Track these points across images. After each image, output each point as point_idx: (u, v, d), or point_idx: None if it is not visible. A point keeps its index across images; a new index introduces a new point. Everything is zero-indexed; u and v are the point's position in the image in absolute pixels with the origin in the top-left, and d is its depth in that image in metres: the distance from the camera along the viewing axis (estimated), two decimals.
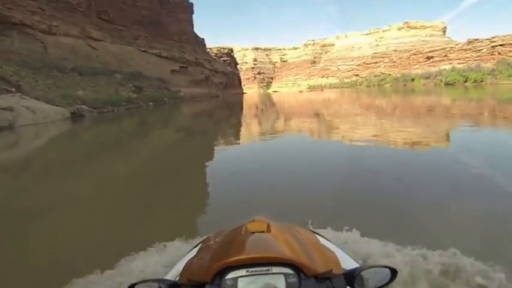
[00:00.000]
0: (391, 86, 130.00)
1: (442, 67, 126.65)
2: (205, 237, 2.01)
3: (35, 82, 40.36)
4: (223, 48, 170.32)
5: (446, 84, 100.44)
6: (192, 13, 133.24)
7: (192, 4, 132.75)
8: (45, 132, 21.52)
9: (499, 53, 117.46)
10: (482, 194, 4.09)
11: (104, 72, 60.09)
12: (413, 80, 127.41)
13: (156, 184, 5.71)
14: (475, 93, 36.70)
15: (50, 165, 9.66)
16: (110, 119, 29.87)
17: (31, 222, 4.52)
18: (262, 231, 1.39)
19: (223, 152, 8.34)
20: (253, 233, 1.38)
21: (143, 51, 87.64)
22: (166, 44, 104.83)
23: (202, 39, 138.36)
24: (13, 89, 30.80)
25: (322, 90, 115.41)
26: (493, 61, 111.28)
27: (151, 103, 52.50)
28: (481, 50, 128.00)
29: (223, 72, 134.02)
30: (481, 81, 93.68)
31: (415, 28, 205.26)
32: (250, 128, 12.84)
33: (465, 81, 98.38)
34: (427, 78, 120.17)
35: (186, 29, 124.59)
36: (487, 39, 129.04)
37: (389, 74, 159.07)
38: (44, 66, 48.85)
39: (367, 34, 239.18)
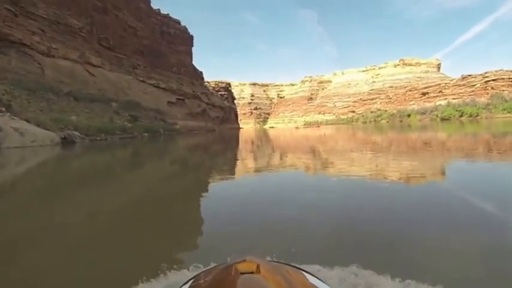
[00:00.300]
0: (387, 122, 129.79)
1: (438, 103, 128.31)
2: (195, 274, 1.99)
3: (28, 103, 37.94)
4: (221, 83, 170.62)
5: (442, 119, 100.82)
6: (192, 45, 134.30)
7: (192, 36, 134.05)
8: (32, 157, 19.32)
9: (492, 88, 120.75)
10: (475, 229, 3.99)
11: (100, 99, 57.94)
12: (409, 115, 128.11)
13: (145, 219, 5.39)
14: (470, 128, 36.28)
15: (31, 194, 8.57)
16: (102, 148, 27.34)
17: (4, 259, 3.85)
18: (252, 272, 1.40)
19: (217, 187, 8.15)
20: (242, 273, 1.39)
21: (141, 80, 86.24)
22: (165, 75, 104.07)
23: (201, 72, 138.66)
24: (3, 109, 28.55)
25: (318, 126, 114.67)
26: (486, 96, 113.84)
27: (146, 134, 49.99)
28: (475, 85, 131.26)
29: (221, 107, 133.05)
30: (477, 115, 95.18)
31: (411, 65, 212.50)
32: (245, 163, 12.84)
33: (461, 116, 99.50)
34: (423, 113, 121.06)
35: (185, 61, 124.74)
36: (480, 74, 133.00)
37: (386, 110, 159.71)
38: (39, 88, 46.64)
39: (363, 71, 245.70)
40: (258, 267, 1.42)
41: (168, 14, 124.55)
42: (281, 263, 2.04)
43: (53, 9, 68.69)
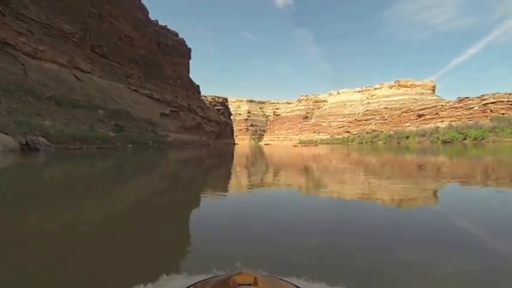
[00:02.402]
0: (384, 143, 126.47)
1: (438, 125, 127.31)
2: (189, 285, 1.96)
3: None
4: (218, 97, 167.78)
5: (444, 142, 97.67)
6: (189, 58, 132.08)
7: (190, 49, 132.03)
8: None
9: (491, 111, 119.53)
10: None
11: (86, 106, 54.58)
12: (407, 137, 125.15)
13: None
14: (481, 152, 32.94)
15: None
16: (71, 157, 23.66)
17: None
18: (249, 284, 1.43)
19: (209, 205, 7.05)
20: (240, 285, 1.42)
21: (134, 90, 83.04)
22: (160, 86, 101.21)
23: (198, 85, 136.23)
24: None
25: (316, 145, 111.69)
26: (485, 118, 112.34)
27: (130, 145, 46.25)
28: (473, 107, 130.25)
29: (216, 121, 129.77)
30: (482, 138, 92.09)
31: (406, 86, 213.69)
32: (239, 180, 11.79)
33: (464, 139, 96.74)
34: (423, 135, 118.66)
35: (182, 74, 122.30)
36: (478, 97, 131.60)
37: (382, 131, 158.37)
38: (18, 90, 43.45)
39: (358, 91, 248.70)
40: (255, 279, 1.45)
41: (165, 26, 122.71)
42: (273, 276, 2.05)
43: (45, 13, 66.17)
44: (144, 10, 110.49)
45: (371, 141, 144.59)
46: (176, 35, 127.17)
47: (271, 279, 1.78)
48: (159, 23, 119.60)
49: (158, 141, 66.78)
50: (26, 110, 37.96)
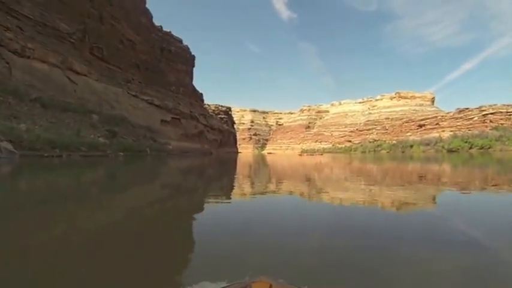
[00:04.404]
0: (387, 152, 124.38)
1: (439, 134, 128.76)
2: None
3: None
4: (222, 106, 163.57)
5: (449, 151, 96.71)
6: (193, 66, 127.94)
7: (194, 57, 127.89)
8: None
9: (490, 121, 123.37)
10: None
11: (77, 110, 49.61)
12: (411, 146, 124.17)
13: None
14: (488, 161, 31.48)
15: None
16: (44, 167, 18.55)
17: None
18: None
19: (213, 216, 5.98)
20: None
21: (133, 95, 78.01)
22: (161, 93, 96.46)
23: (201, 93, 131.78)
24: None
25: (321, 154, 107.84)
26: (485, 128, 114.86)
27: (121, 153, 40.95)
28: (473, 118, 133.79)
29: (219, 130, 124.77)
30: (489, 147, 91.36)
31: (406, 98, 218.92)
32: (242, 188, 9.99)
33: (470, 148, 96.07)
34: (427, 144, 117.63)
35: (185, 81, 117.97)
36: (477, 108, 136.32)
37: (385, 141, 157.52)
38: None
39: (360, 102, 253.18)
40: (270, 286, 1.51)
41: (170, 32, 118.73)
42: (290, 284, 2.05)
43: (40, 10, 61.82)
44: (148, 14, 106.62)
45: (374, 151, 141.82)
46: (180, 41, 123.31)
47: (286, 287, 1.80)
48: (163, 29, 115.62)
49: (157, 149, 61.76)
50: (1, 111, 32.93)
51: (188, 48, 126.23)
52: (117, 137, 46.46)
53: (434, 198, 8.14)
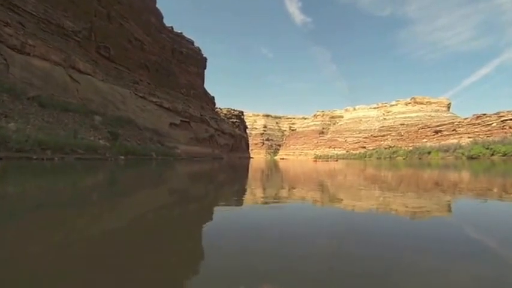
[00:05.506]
0: (404, 159, 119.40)
1: (458, 141, 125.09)
2: None
3: None
4: (234, 110, 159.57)
5: (470, 157, 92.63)
6: (205, 68, 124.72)
7: (205, 58, 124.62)
8: None
9: (510, 127, 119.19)
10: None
11: (79, 110, 46.31)
12: (429, 152, 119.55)
13: None
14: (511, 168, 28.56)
15: None
16: (26, 171, 15.47)
17: None
18: None
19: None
20: None
21: (141, 96, 74.88)
22: (171, 95, 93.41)
23: (213, 97, 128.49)
24: None
25: (336, 160, 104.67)
26: (505, 135, 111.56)
27: (122, 157, 37.45)
28: (491, 124, 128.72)
29: (231, 134, 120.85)
30: None
31: (422, 103, 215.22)
32: (254, 194, 9.05)
33: (492, 155, 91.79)
34: (446, 151, 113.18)
35: (196, 83, 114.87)
36: (495, 114, 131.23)
37: (400, 147, 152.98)
38: None
39: (374, 108, 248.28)
40: None
41: (181, 33, 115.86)
42: None
43: (44, 7, 59.12)
44: (158, 14, 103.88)
45: (390, 157, 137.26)
46: (192, 43, 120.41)
47: None
48: (174, 30, 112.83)
49: (164, 153, 58.27)
50: None
51: (200, 50, 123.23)
52: (119, 140, 42.93)
53: (450, 207, 7.64)
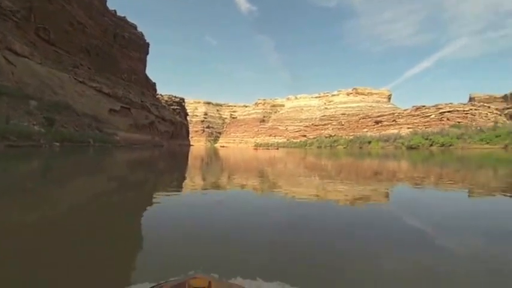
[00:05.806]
0: (344, 148, 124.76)
1: (398, 131, 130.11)
2: None
3: None
4: (175, 97, 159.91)
5: (409, 147, 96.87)
6: (147, 53, 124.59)
7: (148, 44, 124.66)
8: None
9: (447, 119, 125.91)
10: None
11: (13, 94, 46.74)
12: (369, 142, 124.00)
13: None
14: (449, 158, 30.89)
15: None
16: None
17: None
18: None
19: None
20: None
21: (80, 81, 74.87)
22: (112, 80, 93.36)
23: (154, 83, 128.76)
24: None
25: (277, 148, 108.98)
26: (442, 126, 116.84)
27: (58, 144, 39.27)
28: (430, 115, 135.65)
29: (171, 121, 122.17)
30: (450, 145, 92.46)
31: (363, 94, 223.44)
32: (194, 181, 10.15)
33: (430, 145, 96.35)
34: (386, 141, 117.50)
35: (138, 68, 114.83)
36: (433, 106, 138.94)
37: (341, 136, 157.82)
38: None
39: (316, 97, 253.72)
40: (209, 283, 1.49)
41: (124, 17, 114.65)
42: (227, 281, 2.14)
43: None
44: None
45: (330, 146, 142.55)
46: (135, 27, 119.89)
47: (224, 283, 1.85)
48: (118, 14, 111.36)
49: (102, 140, 59.84)
50: None
51: (143, 35, 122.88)
52: (55, 126, 44.32)
53: (387, 194, 8.36)
